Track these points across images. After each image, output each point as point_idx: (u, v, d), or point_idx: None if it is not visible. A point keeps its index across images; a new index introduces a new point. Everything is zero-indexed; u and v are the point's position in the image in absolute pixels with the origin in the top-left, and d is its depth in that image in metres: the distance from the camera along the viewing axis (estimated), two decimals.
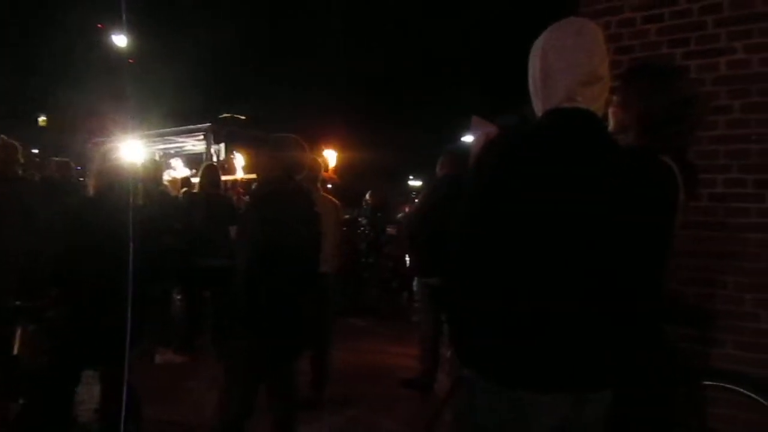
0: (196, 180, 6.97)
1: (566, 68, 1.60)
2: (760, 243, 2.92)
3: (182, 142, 11.12)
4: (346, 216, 8.77)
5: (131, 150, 7.28)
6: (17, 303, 3.59)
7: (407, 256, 8.47)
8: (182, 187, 7.65)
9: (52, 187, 6.37)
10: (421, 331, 5.30)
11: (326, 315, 4.70)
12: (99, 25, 22.77)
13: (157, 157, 10.15)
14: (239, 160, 9.38)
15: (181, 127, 10.83)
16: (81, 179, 6.66)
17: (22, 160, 4.69)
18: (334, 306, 4.98)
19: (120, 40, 19.28)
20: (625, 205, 1.56)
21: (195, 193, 6.33)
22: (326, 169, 5.61)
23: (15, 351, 3.50)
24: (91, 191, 3.36)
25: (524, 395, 1.57)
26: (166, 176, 8.28)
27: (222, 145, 10.16)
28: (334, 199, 4.95)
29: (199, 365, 5.51)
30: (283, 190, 3.07)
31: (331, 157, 7.36)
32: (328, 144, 8.23)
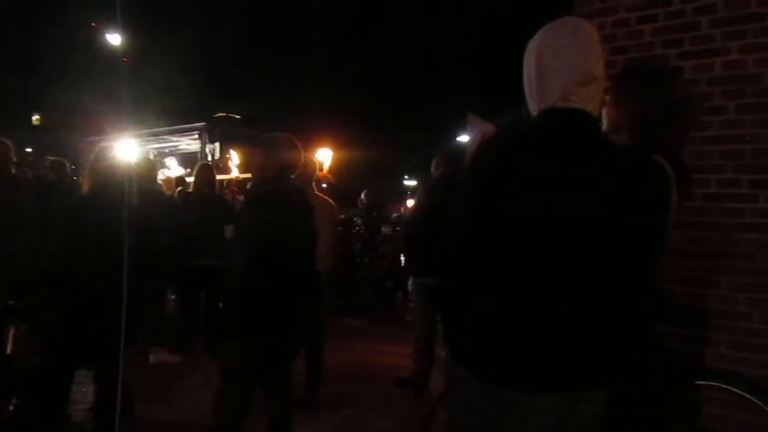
0: (190, 179, 6.96)
1: (561, 68, 1.61)
2: (754, 243, 2.93)
3: (177, 141, 11.09)
4: (342, 216, 8.77)
5: (125, 149, 7.26)
6: (10, 302, 3.58)
7: (402, 255, 8.48)
8: (177, 187, 7.63)
9: (46, 186, 6.34)
10: (415, 331, 5.31)
11: (320, 314, 4.70)
12: (93, 24, 22.69)
13: (151, 156, 10.11)
14: (234, 159, 9.37)
15: (175, 126, 10.79)
16: (75, 178, 6.63)
17: (15, 159, 4.67)
18: (328, 305, 4.98)
19: (114, 39, 19.22)
20: (620, 205, 1.57)
21: (190, 192, 6.32)
22: (321, 169, 5.60)
23: (8, 351, 3.49)
24: (85, 190, 3.34)
25: (519, 395, 1.56)
26: (161, 175, 8.26)
27: (217, 144, 10.14)
28: (328, 199, 4.94)
29: (193, 365, 5.49)
30: (278, 189, 3.07)
31: (326, 156, 7.35)
32: (324, 143, 8.21)
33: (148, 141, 10.97)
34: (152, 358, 5.55)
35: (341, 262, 7.63)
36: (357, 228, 9.43)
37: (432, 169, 5.21)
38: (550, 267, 1.55)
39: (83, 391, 4.10)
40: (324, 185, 6.53)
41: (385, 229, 9.95)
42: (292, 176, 3.20)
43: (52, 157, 6.95)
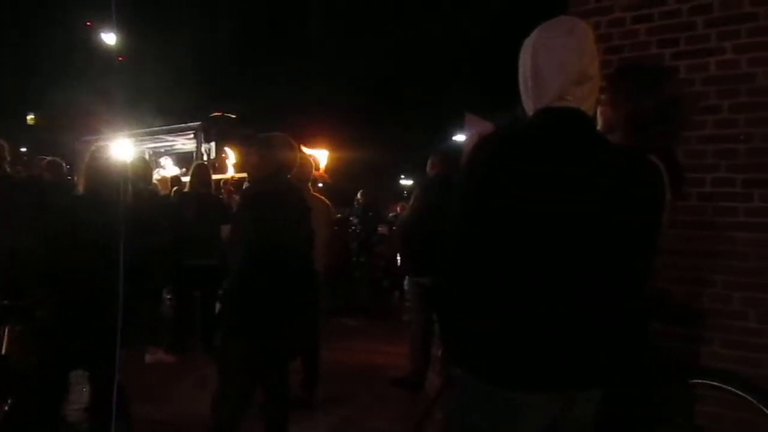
0: (186, 179, 6.93)
1: (557, 67, 1.61)
2: (748, 242, 2.94)
3: (172, 140, 11.05)
4: (338, 215, 8.77)
5: (121, 149, 7.23)
6: (5, 302, 3.56)
7: (398, 255, 8.49)
8: (173, 186, 7.61)
9: (40, 186, 6.31)
10: (412, 331, 5.31)
11: (317, 314, 4.70)
12: (88, 23, 22.63)
13: (147, 156, 10.09)
14: (231, 158, 9.34)
15: (171, 126, 10.76)
16: (69, 178, 6.60)
17: (9, 158, 4.65)
18: (324, 305, 4.98)
19: (109, 38, 19.18)
20: (616, 204, 1.57)
21: (186, 192, 6.30)
22: (317, 168, 5.58)
23: (3, 351, 3.48)
24: (80, 190, 3.34)
25: (515, 395, 1.57)
26: (156, 175, 8.23)
27: (212, 144, 10.11)
28: (324, 199, 4.94)
29: (189, 365, 5.49)
30: (274, 188, 3.07)
31: (322, 156, 7.33)
32: (320, 143, 8.19)
33: (143, 140, 10.93)
34: (148, 358, 5.54)
35: (338, 261, 7.63)
36: (353, 228, 9.44)
37: (428, 168, 5.21)
38: (546, 266, 1.55)
39: (79, 391, 4.09)
40: (320, 185, 6.52)
41: (382, 229, 9.95)
42: (289, 176, 3.20)
43: (47, 157, 6.91)
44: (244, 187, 4.57)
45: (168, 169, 10.16)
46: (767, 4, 2.93)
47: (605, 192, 1.57)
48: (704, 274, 3.03)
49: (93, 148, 3.37)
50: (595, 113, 1.99)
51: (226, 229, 5.01)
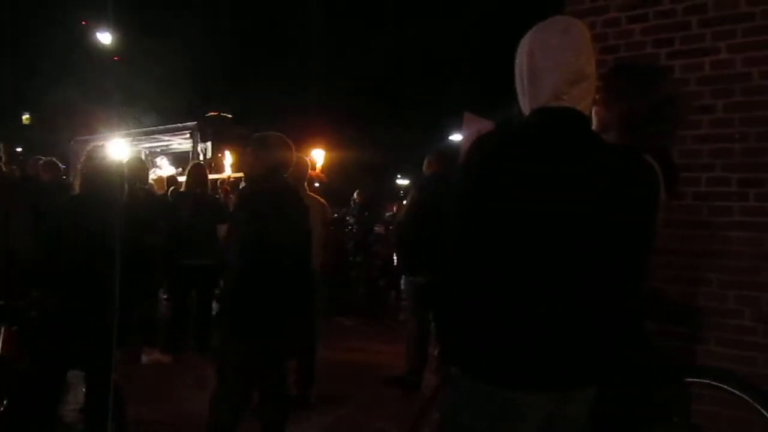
0: (182, 178, 6.93)
1: (553, 67, 1.61)
2: (743, 241, 2.95)
3: (168, 140, 11.03)
4: (335, 215, 8.76)
5: (117, 148, 7.22)
6: (1, 303, 3.55)
7: (395, 254, 8.49)
8: (169, 186, 7.60)
9: (36, 186, 6.30)
10: (408, 330, 5.32)
11: (313, 313, 4.69)
12: (83, 23, 22.55)
13: (143, 156, 10.07)
14: (227, 158, 9.34)
15: (167, 126, 10.74)
16: (64, 177, 6.58)
17: (4, 158, 4.64)
18: (320, 304, 4.98)
19: (105, 38, 19.13)
20: (612, 204, 1.57)
21: (182, 192, 6.29)
22: (314, 168, 5.58)
23: None
24: (76, 190, 3.33)
25: (511, 394, 1.57)
26: (152, 175, 8.23)
27: (209, 144, 10.09)
28: (320, 198, 4.94)
29: (185, 365, 5.48)
30: (271, 188, 3.07)
31: (318, 156, 7.33)
32: (316, 143, 8.19)
33: (139, 140, 10.91)
34: (144, 358, 5.53)
35: (334, 261, 7.63)
36: (350, 227, 9.43)
37: (424, 168, 5.21)
38: (543, 266, 1.55)
39: (74, 392, 4.08)
40: (316, 184, 6.52)
41: (378, 228, 9.95)
42: (285, 175, 3.20)
43: (43, 158, 6.89)
44: (240, 187, 4.57)
45: (164, 168, 10.16)
46: (762, 4, 2.94)
47: (601, 192, 1.57)
48: (699, 273, 3.04)
49: (89, 148, 3.37)
50: (591, 113, 1.99)
51: (222, 229, 5.01)
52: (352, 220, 9.45)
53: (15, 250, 3.64)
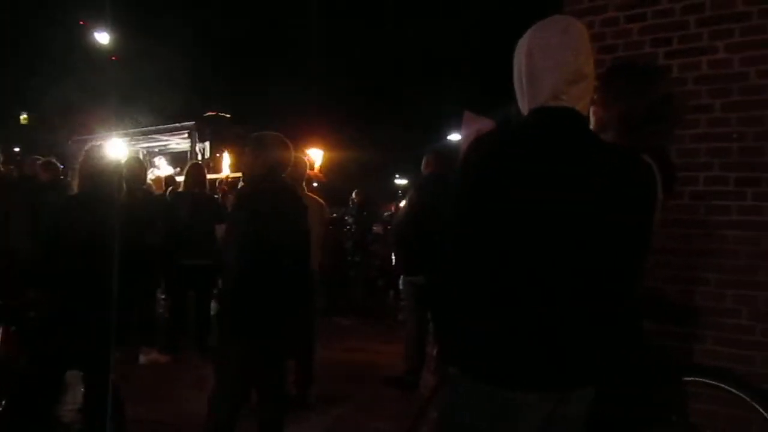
0: (180, 178, 6.93)
1: (552, 67, 1.60)
2: (740, 240, 2.96)
3: (166, 140, 11.03)
4: (333, 215, 8.76)
5: (115, 148, 7.21)
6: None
7: (393, 254, 8.49)
8: (167, 186, 7.59)
9: (34, 186, 6.28)
10: (406, 330, 5.32)
11: (311, 313, 4.69)
12: (81, 22, 22.52)
13: (141, 156, 10.06)
14: (226, 158, 9.34)
15: (165, 125, 10.73)
16: (62, 177, 6.56)
17: (2, 158, 4.63)
18: (319, 304, 4.98)
19: (103, 38, 19.11)
20: (610, 203, 1.57)
21: (180, 192, 6.29)
22: (312, 168, 5.59)
23: None
24: (75, 190, 3.32)
25: (510, 394, 1.57)
26: (151, 175, 8.22)
27: (207, 144, 10.09)
28: (318, 198, 4.94)
29: (183, 365, 5.48)
30: (269, 188, 3.06)
31: (317, 155, 7.34)
32: (314, 142, 8.20)
33: (137, 140, 10.91)
34: (142, 358, 5.53)
35: (332, 261, 7.63)
36: (348, 227, 9.44)
37: (422, 167, 5.21)
38: (541, 266, 1.55)
39: (72, 392, 4.08)
40: (315, 184, 6.52)
41: (377, 228, 9.96)
42: (283, 175, 3.20)
43: (41, 157, 6.87)
44: (238, 187, 4.57)
45: (162, 168, 10.15)
46: (759, 4, 2.94)
47: (599, 191, 1.57)
48: (697, 273, 3.05)
49: (87, 147, 3.36)
50: (589, 112, 1.99)
51: (220, 229, 5.00)
52: (350, 220, 9.45)
53: (15, 250, 3.64)
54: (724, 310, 2.98)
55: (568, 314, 1.56)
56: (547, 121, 1.62)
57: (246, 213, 3.02)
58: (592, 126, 2.10)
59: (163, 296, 6.69)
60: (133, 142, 10.73)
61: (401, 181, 25.62)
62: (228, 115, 11.28)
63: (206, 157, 9.85)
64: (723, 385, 2.63)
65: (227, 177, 8.43)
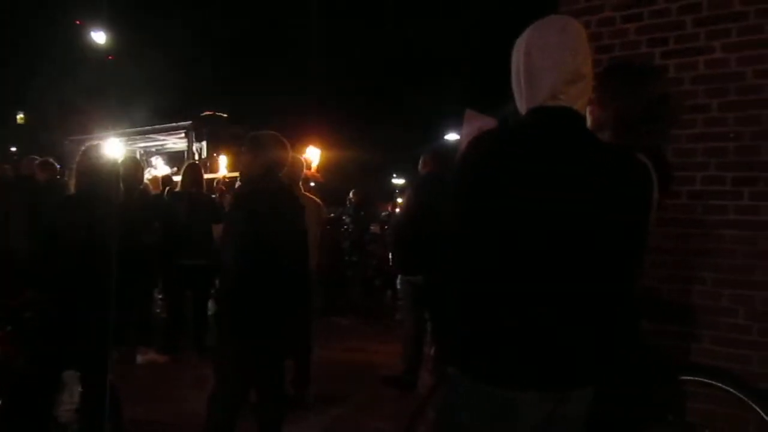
0: (177, 178, 6.92)
1: (551, 67, 1.60)
2: (737, 240, 2.96)
3: (163, 139, 11.03)
4: (331, 215, 8.75)
5: (112, 148, 7.20)
6: None
7: (391, 254, 8.50)
8: (164, 186, 7.58)
9: (31, 186, 6.26)
10: (404, 330, 5.32)
11: (309, 313, 4.69)
12: (77, 22, 22.48)
13: (138, 155, 10.05)
14: (223, 157, 9.33)
15: (162, 125, 10.72)
16: (59, 177, 6.55)
17: None
18: (316, 303, 4.98)
19: (99, 37, 19.07)
20: (608, 203, 1.57)
21: (177, 192, 6.29)
22: (309, 168, 5.58)
23: None
24: (71, 190, 3.32)
25: (509, 393, 1.57)
26: (148, 175, 8.21)
27: (204, 143, 10.09)
28: (315, 198, 4.94)
29: (181, 365, 5.48)
30: (266, 188, 3.06)
31: (314, 155, 7.33)
32: (312, 142, 8.19)
33: (134, 140, 10.91)
34: (140, 359, 5.52)
35: (330, 260, 7.62)
36: (345, 227, 9.43)
37: (419, 167, 5.22)
38: (539, 265, 1.55)
39: (70, 392, 4.07)
40: (312, 184, 6.51)
41: (374, 228, 9.96)
42: (280, 174, 3.19)
43: (38, 157, 6.86)
44: (236, 187, 4.57)
45: (159, 168, 10.14)
46: (756, 3, 2.94)
47: (598, 191, 1.57)
48: (694, 272, 3.05)
49: (84, 147, 3.36)
50: (586, 112, 1.99)
51: (217, 229, 5.00)
52: (348, 220, 9.44)
53: (13, 250, 3.63)
54: (720, 310, 2.98)
55: (566, 314, 1.57)
56: (546, 120, 1.62)
57: (243, 213, 3.02)
58: (589, 125, 2.10)
59: (160, 296, 6.68)
60: (130, 142, 10.73)
61: (398, 181, 25.64)
62: (225, 115, 11.27)
63: (203, 156, 9.84)
64: (720, 385, 2.63)
65: (224, 177, 8.42)
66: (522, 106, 1.69)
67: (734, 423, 2.75)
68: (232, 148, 8.45)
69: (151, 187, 7.19)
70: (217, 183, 7.99)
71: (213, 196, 7.06)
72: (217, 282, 5.54)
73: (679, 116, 3.00)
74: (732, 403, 2.61)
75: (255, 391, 3.16)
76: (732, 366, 2.86)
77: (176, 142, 10.83)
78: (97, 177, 3.22)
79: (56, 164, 6.49)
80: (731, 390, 2.59)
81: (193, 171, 6.19)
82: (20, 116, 30.71)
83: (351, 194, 9.65)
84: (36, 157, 6.95)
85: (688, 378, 2.80)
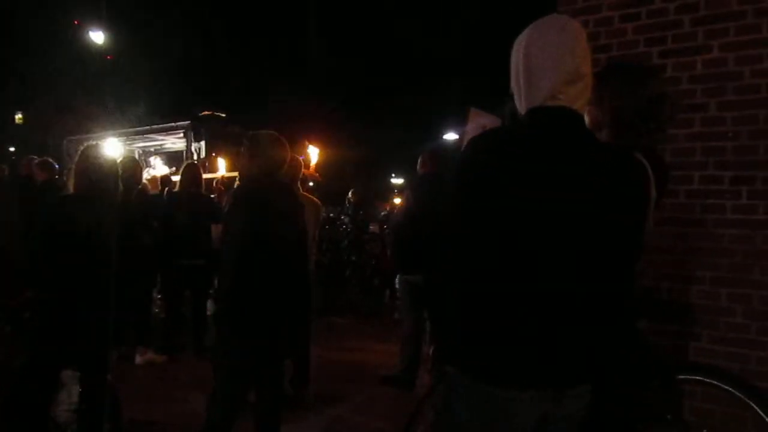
0: (176, 178, 6.91)
1: (550, 66, 1.60)
2: (735, 239, 2.97)
3: (162, 139, 11.00)
4: (329, 214, 8.75)
5: (110, 148, 7.19)
6: None
7: (389, 253, 8.50)
8: (162, 186, 7.58)
9: (29, 185, 6.26)
10: (402, 329, 5.32)
11: (307, 312, 4.69)
12: (76, 22, 22.45)
13: (136, 155, 10.04)
14: (221, 158, 9.31)
15: (160, 125, 10.70)
16: (57, 177, 6.55)
17: None
18: (314, 303, 4.98)
19: (97, 37, 19.05)
20: (607, 203, 1.58)
21: (176, 191, 6.28)
22: (308, 167, 5.57)
23: None
24: (70, 190, 3.32)
25: (508, 393, 1.58)
26: (146, 174, 8.20)
27: (202, 143, 10.06)
28: (314, 198, 4.93)
29: (179, 365, 5.48)
30: (265, 186, 3.06)
31: (313, 154, 7.33)
32: (311, 141, 8.19)
33: (132, 139, 10.88)
34: (138, 359, 5.52)
35: (329, 260, 7.63)
36: (344, 226, 9.43)
37: (418, 167, 5.22)
38: (537, 265, 1.56)
39: (68, 392, 4.07)
40: (311, 183, 6.51)
41: (373, 227, 9.96)
42: (279, 174, 3.19)
43: (37, 157, 6.85)
44: (234, 186, 4.56)
45: (158, 168, 10.12)
46: (753, 3, 2.95)
47: (597, 191, 1.57)
48: (692, 271, 3.06)
49: (83, 147, 3.35)
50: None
51: (216, 229, 4.99)
52: (346, 220, 9.44)
53: (8, 250, 3.63)
54: (719, 309, 2.99)
55: (566, 313, 1.57)
56: (545, 120, 1.62)
57: (242, 212, 3.02)
58: (587, 125, 2.10)
59: (159, 296, 6.68)
60: (128, 142, 10.70)
61: (397, 181, 25.65)
62: (223, 115, 11.24)
63: (202, 156, 9.82)
64: (718, 384, 2.63)
65: (223, 176, 8.40)
66: (521, 105, 1.69)
67: (732, 422, 2.75)
68: (231, 147, 8.43)
69: (149, 187, 7.19)
70: (215, 183, 7.98)
71: (212, 195, 7.06)
72: (215, 282, 5.54)
73: (677, 116, 3.01)
74: (731, 402, 2.61)
75: (254, 391, 3.16)
76: (731, 365, 2.86)
77: (175, 142, 10.81)
78: (95, 177, 3.21)
79: (55, 164, 6.48)
80: (730, 389, 2.59)
81: (192, 171, 6.18)
82: (19, 116, 30.64)
83: (350, 194, 9.65)
84: (35, 157, 6.95)
85: (687, 377, 2.81)
